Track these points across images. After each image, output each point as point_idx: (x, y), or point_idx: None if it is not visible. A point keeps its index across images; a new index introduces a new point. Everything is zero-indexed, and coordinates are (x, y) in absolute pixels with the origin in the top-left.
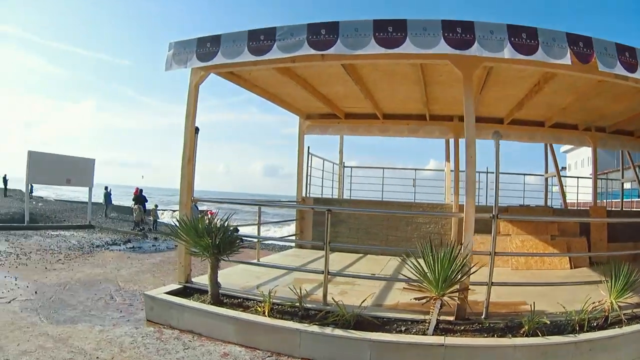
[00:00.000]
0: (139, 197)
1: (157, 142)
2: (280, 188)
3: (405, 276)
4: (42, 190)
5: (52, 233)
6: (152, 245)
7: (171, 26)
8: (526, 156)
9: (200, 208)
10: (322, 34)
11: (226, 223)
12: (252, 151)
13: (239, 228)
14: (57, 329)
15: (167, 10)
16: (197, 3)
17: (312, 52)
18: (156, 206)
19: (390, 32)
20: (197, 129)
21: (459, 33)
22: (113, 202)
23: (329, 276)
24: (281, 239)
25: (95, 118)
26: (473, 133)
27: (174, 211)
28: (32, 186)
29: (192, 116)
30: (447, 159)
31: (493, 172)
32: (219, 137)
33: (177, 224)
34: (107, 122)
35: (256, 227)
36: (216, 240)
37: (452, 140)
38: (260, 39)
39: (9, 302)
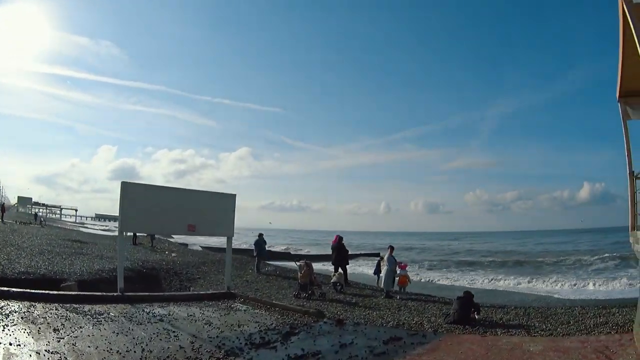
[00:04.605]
0: (339, 248)
1: (316, 186)
2: (442, 225)
3: None
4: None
5: (159, 311)
6: (337, 343)
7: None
8: None
9: (397, 259)
10: None
11: None
12: (411, 188)
13: None
14: None
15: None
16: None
17: None
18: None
19: None
20: None
21: None
22: (269, 249)
23: None
24: None
25: (250, 165)
26: None
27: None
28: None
29: None
30: None
31: None
32: (377, 176)
33: None
34: (261, 168)
35: None
36: None
37: None
38: None
39: None
